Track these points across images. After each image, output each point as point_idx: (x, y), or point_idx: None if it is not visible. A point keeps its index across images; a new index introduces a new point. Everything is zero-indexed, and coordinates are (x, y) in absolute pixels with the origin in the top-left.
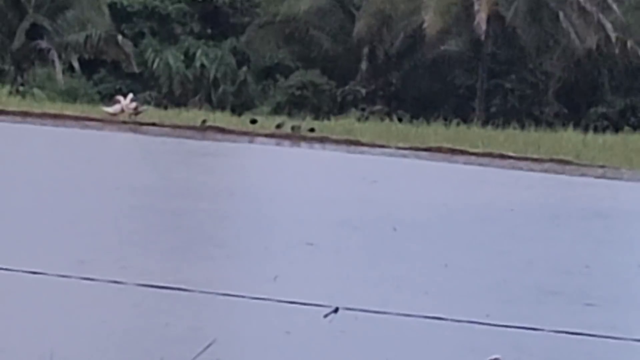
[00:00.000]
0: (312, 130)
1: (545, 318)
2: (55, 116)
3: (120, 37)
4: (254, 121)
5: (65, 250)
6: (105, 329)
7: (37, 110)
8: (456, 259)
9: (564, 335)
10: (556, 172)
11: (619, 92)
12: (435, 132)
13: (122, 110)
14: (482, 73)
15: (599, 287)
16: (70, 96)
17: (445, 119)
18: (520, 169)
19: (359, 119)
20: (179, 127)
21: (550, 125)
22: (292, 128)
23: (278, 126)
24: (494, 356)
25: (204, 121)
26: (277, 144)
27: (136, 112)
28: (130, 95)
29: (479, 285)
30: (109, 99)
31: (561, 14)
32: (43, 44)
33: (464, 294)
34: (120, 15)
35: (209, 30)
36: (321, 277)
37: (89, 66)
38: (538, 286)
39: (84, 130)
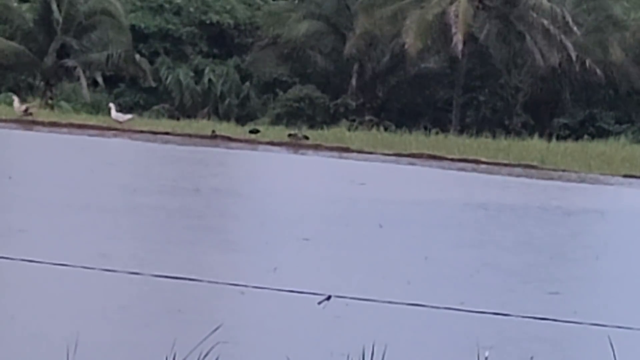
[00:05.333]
0: (306, 138)
1: (514, 305)
2: (80, 126)
3: (137, 56)
4: (253, 131)
5: (88, 244)
6: (124, 315)
7: (64, 121)
8: (435, 252)
9: (531, 320)
10: (523, 176)
11: (579, 104)
12: (417, 140)
13: (26, 110)
14: (458, 88)
15: (562, 277)
16: (94, 108)
17: (426, 129)
18: (492, 172)
19: (349, 129)
20: (190, 135)
21: (518, 134)
22: (305, 137)
23: (289, 135)
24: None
25: (213, 131)
26: (277, 151)
27: (27, 113)
28: (16, 99)
29: (455, 275)
30: (128, 111)
31: (527, 36)
32: (70, 62)
33: (442, 284)
34: (138, 37)
35: (216, 50)
36: (316, 268)
37: (110, 81)
38: (507, 276)
39: (105, 139)
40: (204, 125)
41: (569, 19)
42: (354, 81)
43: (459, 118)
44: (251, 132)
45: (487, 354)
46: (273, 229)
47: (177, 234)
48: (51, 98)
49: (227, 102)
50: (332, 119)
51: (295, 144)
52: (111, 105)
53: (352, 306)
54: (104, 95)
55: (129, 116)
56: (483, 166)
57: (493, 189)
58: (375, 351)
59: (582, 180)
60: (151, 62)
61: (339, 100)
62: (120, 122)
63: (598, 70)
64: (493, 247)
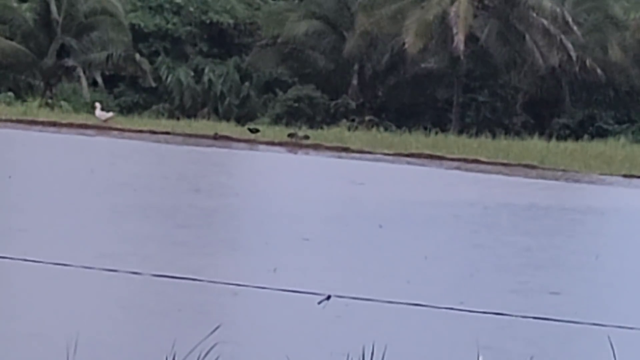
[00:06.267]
0: (306, 137)
1: (514, 305)
2: (80, 126)
3: (137, 56)
4: (252, 130)
5: (88, 244)
6: (124, 315)
7: (64, 121)
8: (435, 252)
9: (531, 320)
10: (523, 176)
11: (578, 104)
12: (417, 140)
13: None
14: (458, 87)
15: (562, 277)
16: (94, 108)
17: (425, 128)
18: (492, 172)
19: (349, 129)
20: (190, 135)
21: (518, 134)
22: (306, 137)
23: (289, 135)
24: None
25: (215, 134)
26: (277, 151)
27: None
28: None
29: (455, 275)
30: (128, 111)
31: (527, 36)
32: (70, 61)
33: (442, 283)
34: (137, 36)
35: (216, 50)
36: (316, 268)
37: (110, 81)
38: (507, 276)
39: (105, 138)
40: (204, 125)
41: (569, 18)
42: (354, 81)
43: (458, 118)
44: (250, 131)
45: (481, 358)
46: (273, 229)
47: (177, 234)
48: (51, 98)
49: (227, 101)
50: (332, 119)
51: (295, 144)
52: (97, 104)
53: (351, 306)
54: (103, 95)
55: (110, 114)
56: (483, 166)
57: (493, 188)
58: (375, 351)
59: (582, 180)
60: (151, 62)
61: (339, 100)
62: (103, 121)
63: (598, 70)
64: (493, 247)
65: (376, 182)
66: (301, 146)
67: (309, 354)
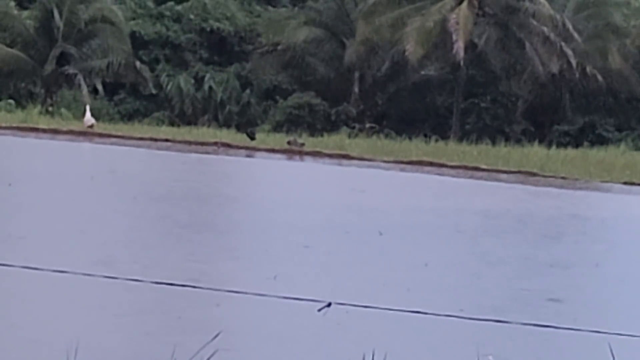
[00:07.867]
0: (302, 144)
1: (514, 312)
2: (80, 133)
3: (138, 63)
4: (250, 137)
5: (88, 251)
6: (124, 322)
7: (64, 128)
8: (435, 259)
9: (531, 327)
10: (523, 183)
11: (579, 111)
12: (417, 147)
13: None
14: (458, 95)
15: (562, 284)
16: (94, 115)
17: (426, 136)
18: (492, 179)
19: (349, 136)
20: (190, 142)
21: (518, 141)
22: (301, 144)
23: (289, 142)
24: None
25: (215, 142)
26: (277, 158)
27: None
28: None
29: (454, 282)
30: (129, 118)
31: (527, 43)
32: (70, 69)
33: (442, 291)
34: (138, 44)
35: (216, 57)
36: (316, 275)
37: (111, 89)
38: (507, 283)
39: (105, 146)
40: (204, 133)
41: (569, 26)
42: (356, 88)
43: (459, 125)
44: (248, 136)
45: (490, 358)
46: (273, 236)
47: (177, 241)
48: (51, 105)
49: (227, 109)
50: (332, 126)
51: (295, 151)
52: (87, 107)
53: (352, 313)
54: (104, 102)
55: (92, 121)
56: (483, 173)
57: (493, 196)
58: (376, 358)
59: (582, 188)
60: (151, 69)
61: (339, 108)
62: (87, 127)
63: (598, 77)
64: (493, 254)
65: (376, 190)
66: (301, 153)
67: None
